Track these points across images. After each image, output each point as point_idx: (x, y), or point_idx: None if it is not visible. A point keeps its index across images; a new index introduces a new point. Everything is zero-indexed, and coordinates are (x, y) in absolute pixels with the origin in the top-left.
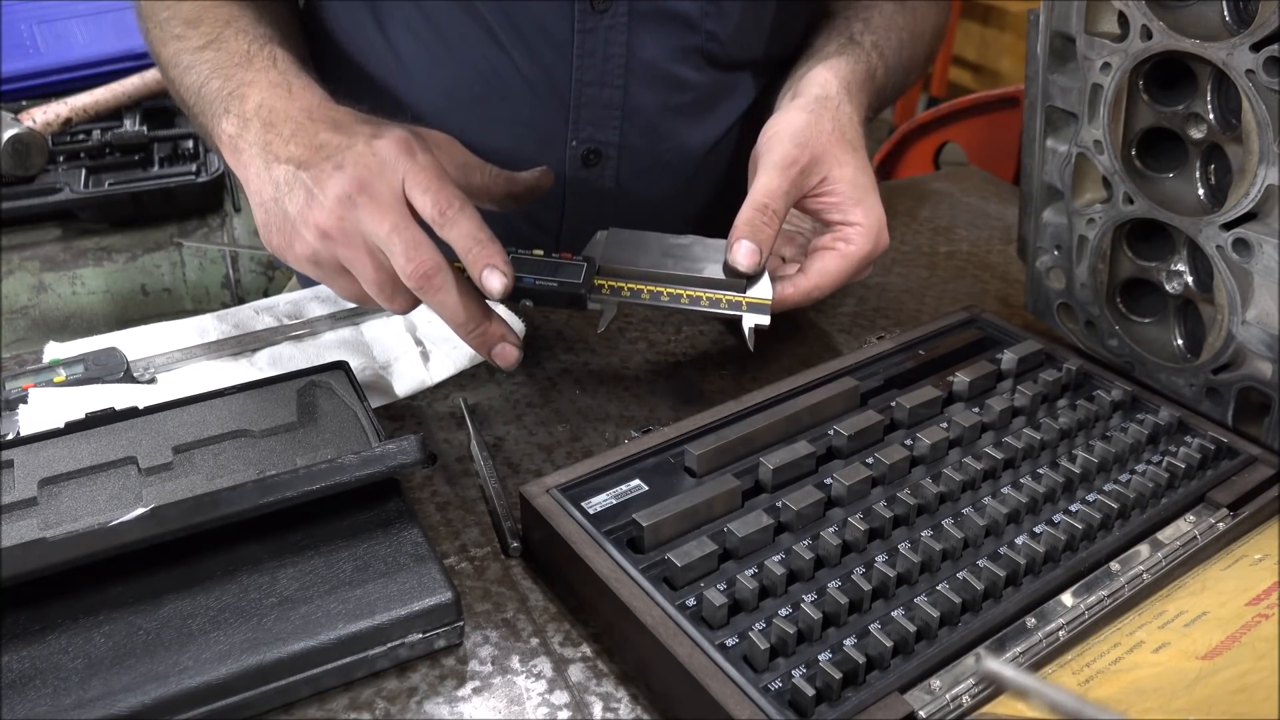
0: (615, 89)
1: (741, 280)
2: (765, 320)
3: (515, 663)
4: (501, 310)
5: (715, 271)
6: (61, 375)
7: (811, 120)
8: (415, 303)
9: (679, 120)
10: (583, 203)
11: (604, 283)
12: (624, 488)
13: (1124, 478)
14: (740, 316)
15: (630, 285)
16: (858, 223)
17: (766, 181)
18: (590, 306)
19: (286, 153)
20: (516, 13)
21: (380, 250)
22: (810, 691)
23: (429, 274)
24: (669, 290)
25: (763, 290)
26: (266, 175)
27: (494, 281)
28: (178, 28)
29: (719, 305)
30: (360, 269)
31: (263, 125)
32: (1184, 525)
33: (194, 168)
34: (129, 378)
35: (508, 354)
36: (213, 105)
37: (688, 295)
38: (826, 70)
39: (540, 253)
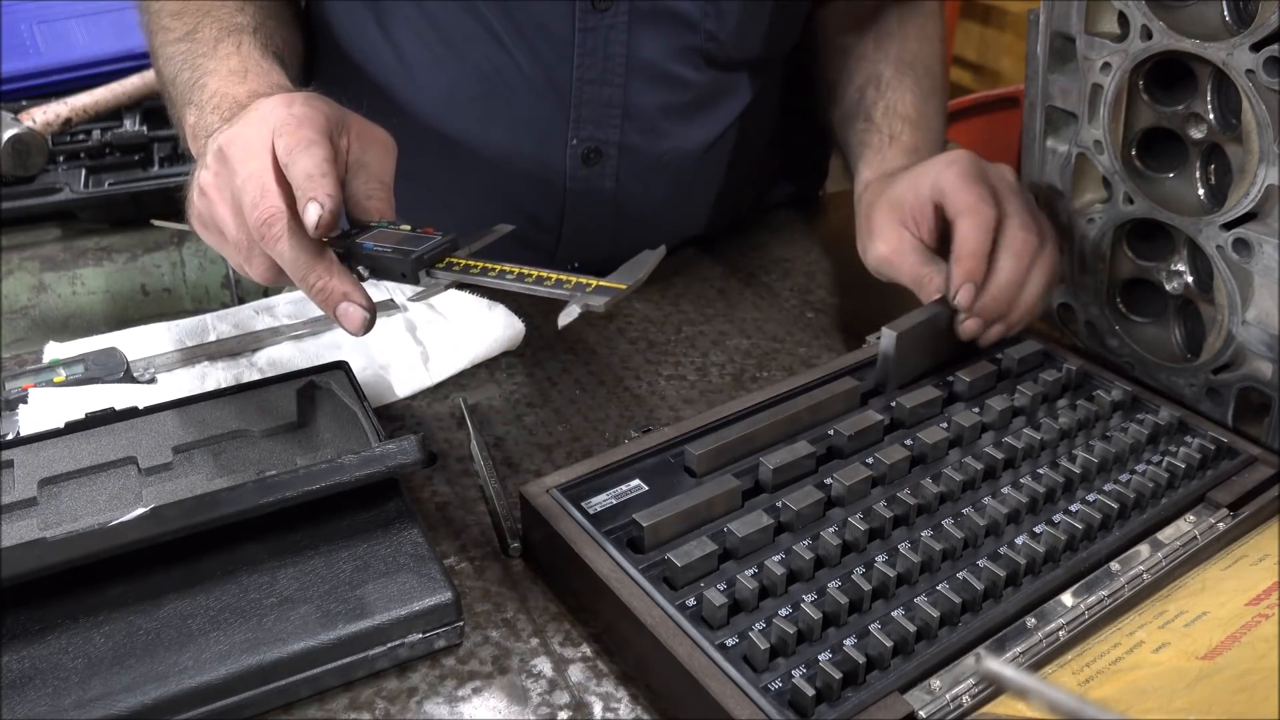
0: (616, 88)
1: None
2: (599, 303)
3: (515, 663)
4: (500, 310)
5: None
6: (61, 375)
7: (880, 217)
8: (275, 270)
9: (678, 119)
10: (583, 201)
11: (457, 260)
12: (624, 488)
13: (1124, 478)
14: (579, 298)
15: (482, 264)
16: (947, 178)
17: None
18: (424, 283)
19: (212, 135)
20: (518, 12)
21: (240, 204)
22: (810, 691)
23: (269, 220)
24: (517, 270)
25: (622, 278)
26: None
27: (311, 213)
28: (165, 19)
29: (563, 285)
30: (225, 226)
31: (213, 111)
32: (1184, 525)
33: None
34: (129, 378)
35: (351, 315)
36: (182, 96)
37: (535, 275)
38: (861, 186)
39: (408, 227)
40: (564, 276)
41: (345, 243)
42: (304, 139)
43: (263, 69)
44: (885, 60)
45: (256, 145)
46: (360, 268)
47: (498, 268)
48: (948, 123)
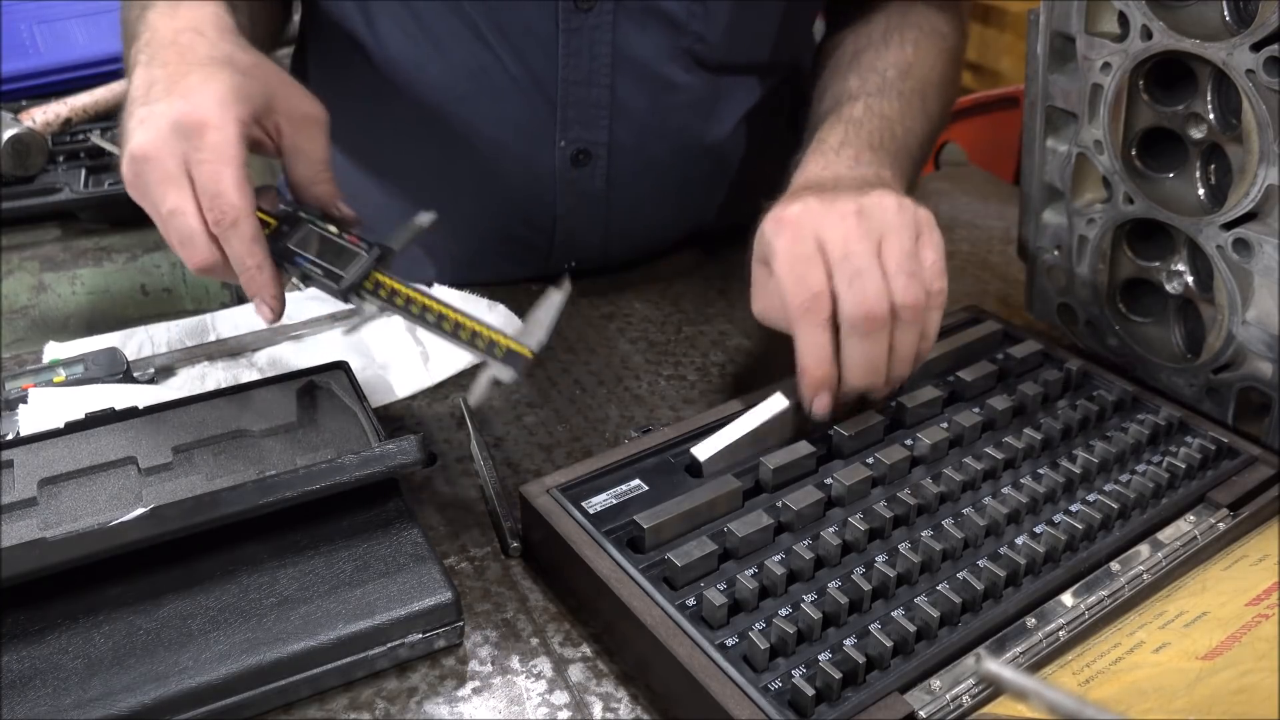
0: (602, 88)
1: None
2: (508, 376)
3: (515, 663)
4: (500, 310)
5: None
6: (61, 375)
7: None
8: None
9: (671, 121)
10: (574, 203)
11: (384, 279)
12: (624, 488)
13: (1124, 478)
14: (491, 360)
15: (404, 292)
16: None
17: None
18: (353, 303)
19: (134, 79)
20: (502, 11)
21: (168, 228)
22: (810, 691)
23: (207, 268)
24: (438, 310)
25: (527, 338)
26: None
27: (263, 313)
28: None
29: (477, 339)
30: (160, 226)
31: (144, 45)
32: (1184, 525)
33: None
34: (129, 378)
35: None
36: (129, 35)
37: (453, 322)
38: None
39: (334, 230)
40: (478, 328)
41: (279, 246)
42: (226, 208)
43: (195, 4)
44: (868, 73)
45: (172, 170)
46: (294, 279)
47: (420, 302)
48: (948, 123)
